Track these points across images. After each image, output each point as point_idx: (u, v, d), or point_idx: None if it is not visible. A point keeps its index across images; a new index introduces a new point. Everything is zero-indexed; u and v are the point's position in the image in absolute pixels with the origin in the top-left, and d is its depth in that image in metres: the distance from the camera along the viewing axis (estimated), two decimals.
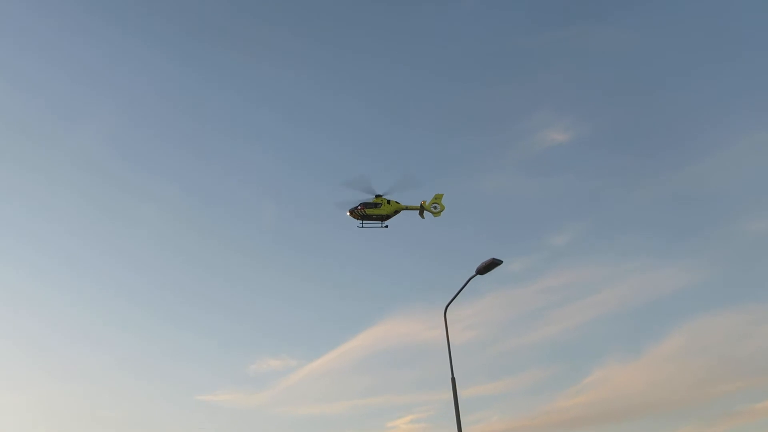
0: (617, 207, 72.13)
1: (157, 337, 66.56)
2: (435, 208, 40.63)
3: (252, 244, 76.05)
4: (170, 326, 67.54)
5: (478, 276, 18.61)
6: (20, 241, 71.13)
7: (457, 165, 78.69)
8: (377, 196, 40.39)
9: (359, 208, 40.64)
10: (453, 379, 19.00)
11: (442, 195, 41.02)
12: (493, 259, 18.35)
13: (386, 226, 40.65)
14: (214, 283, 71.96)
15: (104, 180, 75.87)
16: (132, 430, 56.97)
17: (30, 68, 76.49)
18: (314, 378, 61.57)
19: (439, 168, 78.84)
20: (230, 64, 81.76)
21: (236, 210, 77.89)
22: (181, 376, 62.34)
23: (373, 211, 40.58)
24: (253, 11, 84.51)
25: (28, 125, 76.07)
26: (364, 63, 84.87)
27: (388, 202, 40.61)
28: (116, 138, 77.06)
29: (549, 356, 59.59)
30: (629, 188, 72.82)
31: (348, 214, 40.58)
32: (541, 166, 76.44)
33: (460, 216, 73.11)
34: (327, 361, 62.58)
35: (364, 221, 40.50)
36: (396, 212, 40.75)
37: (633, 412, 52.23)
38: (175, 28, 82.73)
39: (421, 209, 40.23)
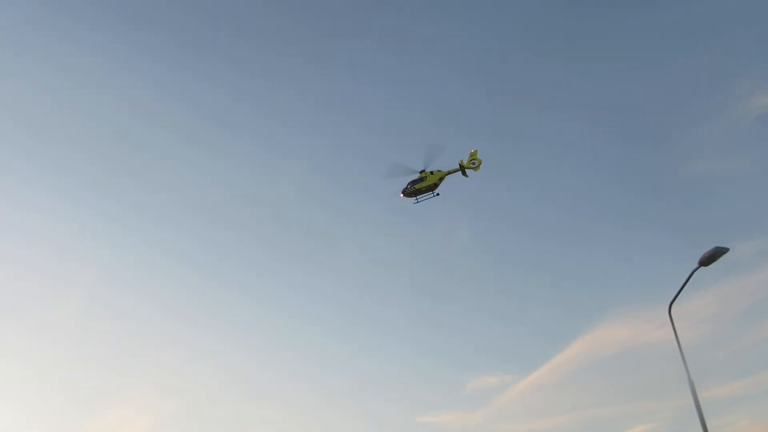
0: None
1: (380, 361, 66.22)
2: (473, 164, 43.88)
3: (454, 261, 73.28)
4: (392, 348, 67.37)
5: (702, 268, 17.47)
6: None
7: (658, 147, 72.55)
8: (421, 171, 43.60)
9: (409, 186, 43.64)
10: (691, 383, 17.72)
11: (476, 151, 44.30)
12: (717, 247, 17.13)
13: (437, 194, 44.12)
14: (427, 303, 70.60)
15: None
16: None
17: None
18: (531, 392, 58.38)
19: (629, 147, 74.42)
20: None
21: (434, 228, 75.64)
22: (404, 398, 61.48)
23: (421, 185, 43.33)
24: None
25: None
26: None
27: (431, 173, 43.74)
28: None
29: None
30: None
31: (402, 195, 43.87)
32: (752, 136, 67.58)
33: (667, 203, 69.24)
34: (543, 373, 59.16)
35: (417, 197, 44.08)
36: (441, 179, 43.55)
37: None
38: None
39: (462, 169, 43.64)
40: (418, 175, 42.72)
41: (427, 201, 42.97)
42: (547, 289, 68.04)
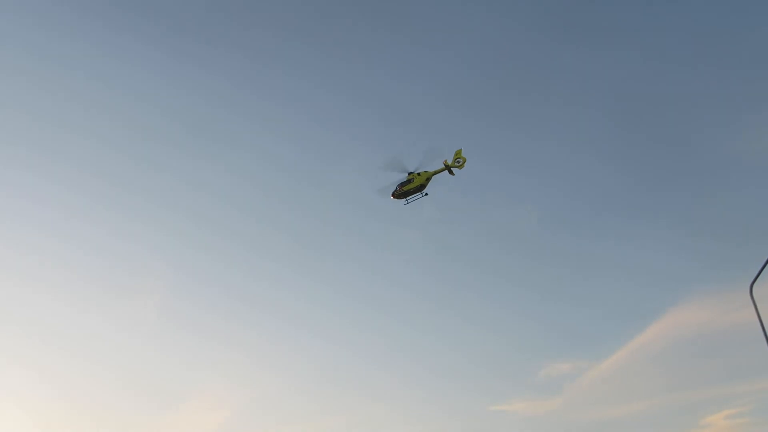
0: None
1: (450, 349, 64.55)
2: (458, 162, 44.82)
3: (523, 247, 71.59)
4: (462, 336, 65.74)
5: None
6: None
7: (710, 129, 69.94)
8: (409, 173, 44.04)
9: (398, 189, 44.21)
10: None
11: (461, 150, 45.16)
12: None
13: (426, 194, 44.69)
14: (495, 289, 69.15)
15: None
16: None
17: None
18: (607, 378, 56.19)
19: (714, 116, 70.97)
20: None
21: (500, 213, 74.11)
22: (475, 387, 59.98)
23: (409, 187, 43.70)
24: None
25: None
26: None
27: (418, 174, 44.26)
28: None
29: None
30: None
31: (392, 197, 44.20)
32: None
33: (745, 180, 65.46)
34: (618, 358, 56.86)
35: (407, 198, 44.52)
36: (428, 180, 44.02)
37: None
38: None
39: (448, 168, 44.45)
40: (407, 176, 43.22)
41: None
42: (620, 272, 65.43)
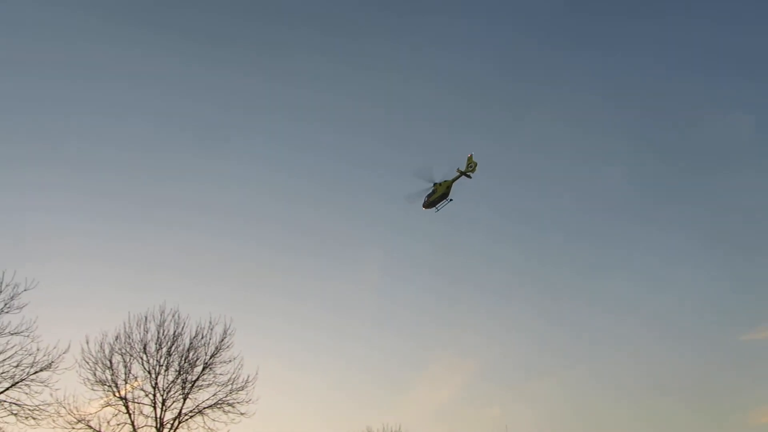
0: None
1: (693, 277, 67.04)
2: (470, 167, 52.59)
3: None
4: (706, 258, 69.50)
5: None
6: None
7: None
8: (434, 184, 51.60)
9: (426, 200, 52.46)
10: None
11: (471, 155, 51.89)
12: None
13: (451, 200, 52.80)
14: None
15: None
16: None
17: None
18: None
19: None
20: None
21: None
22: (722, 315, 59.98)
23: (434, 197, 51.59)
24: None
25: None
26: None
27: (440, 184, 52.40)
28: None
29: None
30: None
31: (424, 208, 52.98)
32: None
33: None
34: None
35: (436, 206, 52.88)
36: (448, 188, 51.61)
37: None
38: None
39: (464, 174, 52.36)
40: (432, 186, 51.40)
41: None
42: None
